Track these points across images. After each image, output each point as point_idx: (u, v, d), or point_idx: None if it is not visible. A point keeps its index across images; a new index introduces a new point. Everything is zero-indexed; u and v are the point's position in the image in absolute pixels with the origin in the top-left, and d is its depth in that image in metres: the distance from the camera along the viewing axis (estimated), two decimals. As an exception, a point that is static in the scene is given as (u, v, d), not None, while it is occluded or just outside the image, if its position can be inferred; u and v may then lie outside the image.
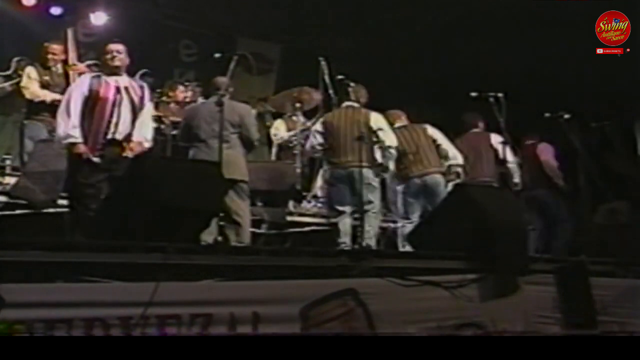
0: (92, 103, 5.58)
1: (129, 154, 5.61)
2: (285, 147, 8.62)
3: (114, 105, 5.62)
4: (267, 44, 12.10)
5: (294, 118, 8.76)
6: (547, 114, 7.78)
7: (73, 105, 5.53)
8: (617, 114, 9.64)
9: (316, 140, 7.02)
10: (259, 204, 7.55)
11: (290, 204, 8.03)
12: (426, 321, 4.78)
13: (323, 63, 8.00)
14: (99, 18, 9.75)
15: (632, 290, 5.98)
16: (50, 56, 7.41)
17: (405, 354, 4.05)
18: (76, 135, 5.48)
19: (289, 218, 7.69)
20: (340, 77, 7.21)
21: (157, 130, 7.87)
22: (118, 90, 5.66)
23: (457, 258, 5.24)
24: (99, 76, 5.75)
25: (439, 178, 7.21)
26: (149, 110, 6.01)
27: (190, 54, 11.71)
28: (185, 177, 4.86)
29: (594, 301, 5.58)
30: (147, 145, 5.86)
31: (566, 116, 7.70)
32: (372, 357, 3.98)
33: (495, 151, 7.78)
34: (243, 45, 10.91)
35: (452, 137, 7.73)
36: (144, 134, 5.83)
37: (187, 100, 8.70)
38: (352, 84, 7.07)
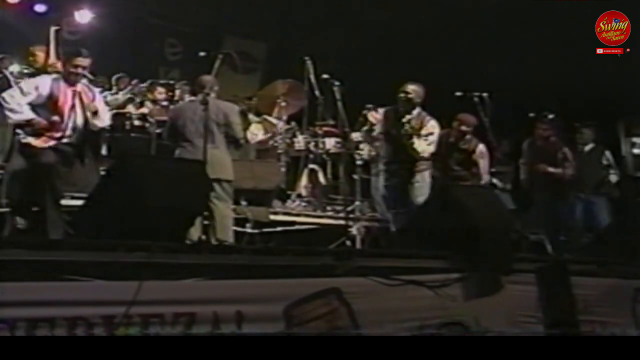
0: (51, 105, 5.75)
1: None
2: (266, 148, 8.58)
3: (70, 109, 5.80)
4: (252, 43, 12.10)
5: (270, 119, 8.71)
6: (531, 114, 7.83)
7: (26, 98, 5.71)
8: (610, 115, 9.70)
9: None
10: (243, 202, 7.53)
11: (275, 203, 8.03)
12: (410, 320, 4.78)
13: (308, 62, 8.00)
14: (83, 16, 9.73)
15: (613, 289, 6.02)
16: (31, 58, 7.41)
17: (388, 353, 4.06)
18: (28, 114, 5.66)
19: (273, 217, 7.68)
20: (325, 76, 7.21)
21: (142, 129, 7.86)
22: (74, 94, 5.85)
23: (440, 257, 5.26)
24: (58, 80, 5.89)
25: None
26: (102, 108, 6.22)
27: (175, 53, 11.70)
28: (169, 176, 4.85)
29: (576, 300, 5.61)
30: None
31: (550, 116, 7.74)
32: (356, 356, 3.99)
33: None
34: (228, 44, 10.92)
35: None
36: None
37: (176, 99, 8.69)
38: (337, 83, 7.08)
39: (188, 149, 6.32)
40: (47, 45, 7.50)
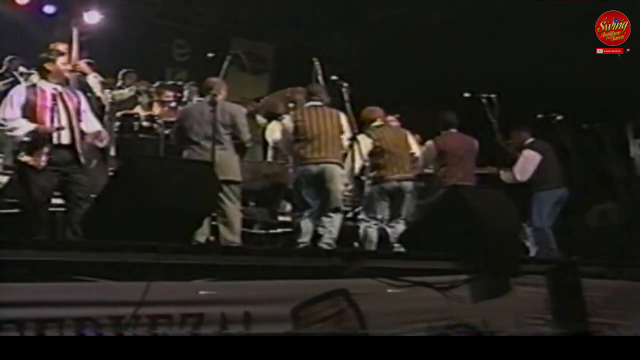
0: (31, 111, 5.63)
1: (100, 144, 5.95)
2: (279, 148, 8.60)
3: (52, 111, 5.66)
4: (260, 44, 12.10)
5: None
6: (539, 115, 7.80)
7: (10, 112, 5.60)
8: (611, 115, 9.66)
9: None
10: (252, 203, 7.54)
11: (283, 204, 8.02)
12: (417, 322, 4.78)
13: (317, 63, 8.00)
14: (92, 17, 9.75)
15: (622, 291, 6.00)
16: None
17: (396, 354, 4.05)
18: (27, 126, 5.55)
19: (281, 218, 7.68)
20: (333, 77, 7.21)
21: (150, 130, 7.88)
22: (54, 97, 5.71)
23: (448, 259, 5.25)
24: (34, 85, 5.82)
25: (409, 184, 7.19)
26: (89, 117, 6.03)
27: (183, 54, 11.71)
28: (177, 177, 4.85)
29: (584, 302, 5.60)
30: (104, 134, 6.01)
31: (559, 117, 7.72)
32: (364, 357, 3.98)
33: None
34: (237, 45, 10.92)
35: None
36: (97, 126, 5.98)
37: (184, 100, 8.70)
38: (345, 84, 7.07)
39: (196, 150, 6.32)
40: (69, 44, 7.49)
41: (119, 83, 8.87)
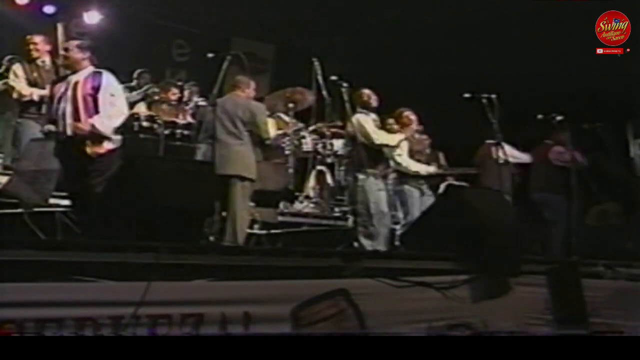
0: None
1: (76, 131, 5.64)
2: (274, 147, 8.57)
3: (58, 102, 5.70)
4: (260, 44, 12.10)
5: (284, 117, 8.72)
6: (540, 116, 7.81)
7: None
8: (611, 115, 9.66)
9: None
10: (251, 203, 7.54)
11: (282, 204, 8.02)
12: (417, 322, 4.78)
13: (316, 63, 8.00)
14: (92, 17, 9.77)
15: (622, 291, 6.00)
16: (32, 47, 7.28)
17: (396, 354, 4.05)
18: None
19: (281, 218, 7.68)
20: (333, 77, 7.21)
21: (150, 130, 7.88)
22: (66, 86, 5.72)
23: (448, 259, 5.25)
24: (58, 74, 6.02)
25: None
26: (106, 100, 5.74)
27: (183, 54, 11.71)
28: (177, 176, 4.86)
29: (585, 302, 5.59)
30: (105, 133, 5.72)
31: (559, 118, 7.73)
32: (364, 357, 3.98)
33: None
34: (236, 45, 10.91)
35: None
36: (102, 122, 5.69)
37: (185, 100, 8.70)
38: (345, 84, 7.08)
39: (217, 147, 6.35)
40: (55, 39, 7.44)
41: (133, 83, 8.86)
